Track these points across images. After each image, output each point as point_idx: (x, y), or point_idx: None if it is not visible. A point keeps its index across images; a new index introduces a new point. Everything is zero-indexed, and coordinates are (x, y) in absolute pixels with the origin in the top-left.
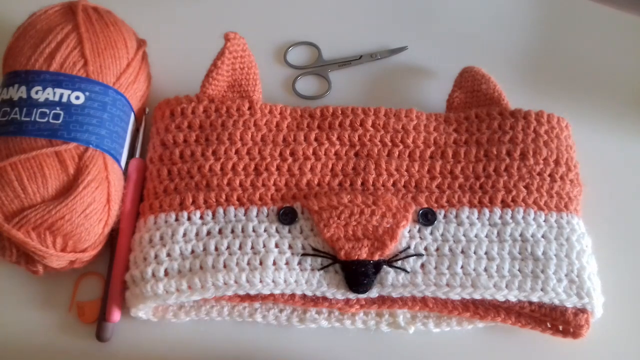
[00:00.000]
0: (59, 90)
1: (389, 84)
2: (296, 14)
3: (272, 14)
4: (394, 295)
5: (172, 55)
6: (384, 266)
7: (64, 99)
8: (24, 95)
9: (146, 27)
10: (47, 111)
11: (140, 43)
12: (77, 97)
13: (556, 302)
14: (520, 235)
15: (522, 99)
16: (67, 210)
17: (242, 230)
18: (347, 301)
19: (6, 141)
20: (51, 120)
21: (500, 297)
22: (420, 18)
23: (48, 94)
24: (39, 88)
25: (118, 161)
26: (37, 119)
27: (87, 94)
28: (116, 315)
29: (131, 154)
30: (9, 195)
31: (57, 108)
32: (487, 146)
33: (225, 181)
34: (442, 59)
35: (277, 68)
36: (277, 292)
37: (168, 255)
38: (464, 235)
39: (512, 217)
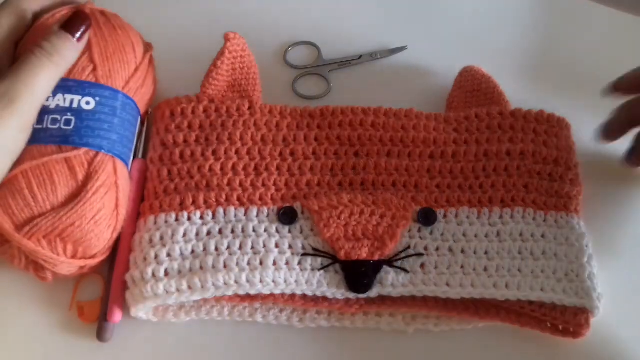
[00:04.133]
0: (69, 96)
1: (389, 84)
2: (296, 14)
3: (272, 14)
4: (394, 295)
5: (172, 55)
6: (384, 266)
7: (75, 105)
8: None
9: (145, 27)
10: (59, 117)
11: (148, 47)
12: (88, 103)
13: (556, 301)
14: (520, 234)
15: (522, 98)
16: (77, 217)
17: (242, 230)
18: (347, 301)
19: None
20: (63, 127)
21: (499, 296)
22: (420, 18)
23: (59, 100)
24: (50, 95)
25: (127, 165)
26: (49, 126)
27: (97, 99)
28: (117, 315)
29: (134, 155)
30: (20, 204)
31: (69, 114)
32: (487, 146)
33: (225, 181)
34: (442, 59)
35: (276, 68)
36: (277, 292)
37: (168, 255)
38: (463, 234)
39: (511, 217)
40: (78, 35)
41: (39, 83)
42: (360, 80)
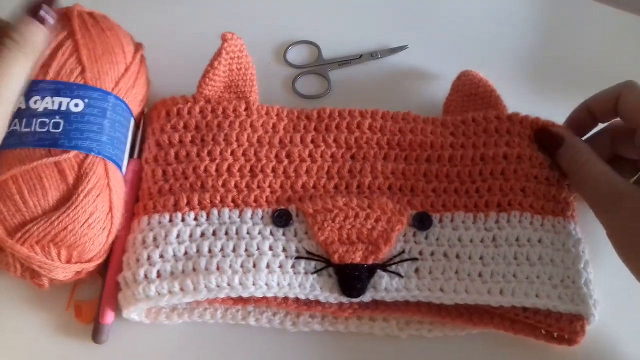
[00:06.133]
0: (57, 99)
1: (390, 83)
2: (296, 12)
3: (272, 12)
4: (387, 299)
5: (169, 54)
6: (378, 270)
7: (63, 107)
8: (23, 106)
9: (142, 26)
10: (47, 120)
11: (138, 47)
12: (77, 105)
13: (551, 308)
14: (517, 239)
15: (524, 97)
16: (70, 220)
17: (236, 232)
18: (340, 305)
19: (7, 154)
20: (51, 130)
21: (493, 302)
22: (421, 17)
23: (47, 103)
24: (38, 98)
25: (120, 167)
26: (37, 129)
27: (86, 100)
28: (109, 316)
29: (130, 156)
30: (11, 209)
31: (57, 117)
32: (484, 149)
33: (220, 182)
34: (443, 58)
35: (276, 67)
36: (270, 295)
37: (161, 256)
38: (459, 239)
39: (508, 221)
40: (50, 21)
41: (15, 76)
42: (361, 79)
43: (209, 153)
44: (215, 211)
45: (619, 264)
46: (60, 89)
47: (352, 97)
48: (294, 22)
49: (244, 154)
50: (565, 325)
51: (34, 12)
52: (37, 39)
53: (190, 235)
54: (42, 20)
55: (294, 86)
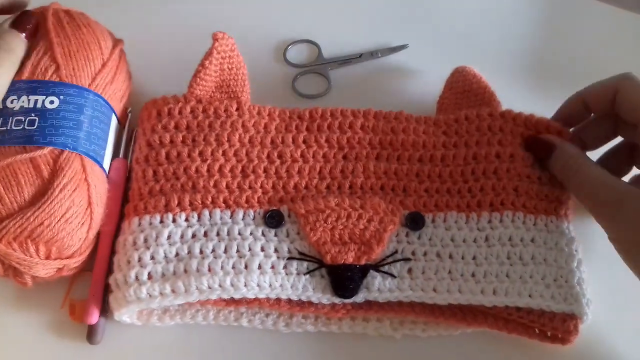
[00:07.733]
0: (33, 97)
1: (390, 83)
2: (296, 11)
3: (272, 11)
4: (380, 300)
5: (162, 54)
6: (371, 271)
7: (39, 105)
8: (0, 106)
9: (136, 25)
10: (23, 118)
11: (117, 42)
12: (52, 102)
13: (544, 308)
14: (509, 239)
15: (525, 97)
16: (46, 215)
17: (228, 233)
18: (333, 306)
19: None
20: (26, 127)
21: (487, 302)
22: (421, 16)
23: (23, 101)
24: (14, 97)
25: (99, 163)
26: (13, 127)
27: (61, 97)
28: (94, 316)
29: (116, 156)
30: None
31: (32, 114)
32: (476, 148)
33: (211, 183)
34: (444, 57)
35: (276, 66)
36: (262, 296)
37: (152, 258)
38: (451, 239)
39: (500, 221)
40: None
41: (1, 79)
42: (361, 78)
43: (200, 153)
44: (206, 212)
45: (612, 263)
46: (36, 87)
47: (352, 97)
48: (294, 21)
49: (235, 155)
50: (558, 325)
51: (18, 25)
52: (20, 49)
53: (182, 237)
54: (23, 32)
55: (294, 86)
